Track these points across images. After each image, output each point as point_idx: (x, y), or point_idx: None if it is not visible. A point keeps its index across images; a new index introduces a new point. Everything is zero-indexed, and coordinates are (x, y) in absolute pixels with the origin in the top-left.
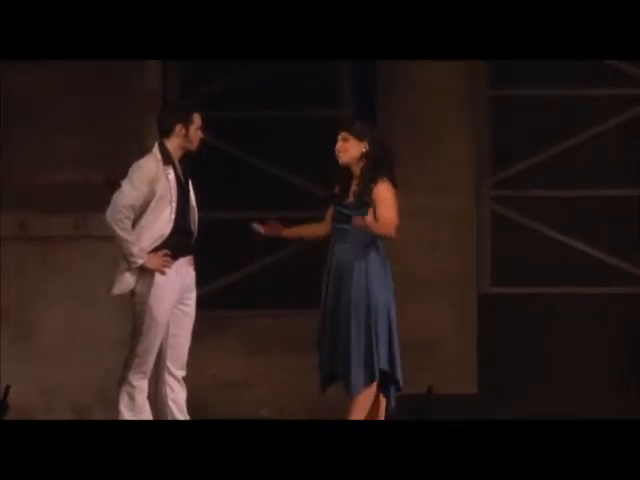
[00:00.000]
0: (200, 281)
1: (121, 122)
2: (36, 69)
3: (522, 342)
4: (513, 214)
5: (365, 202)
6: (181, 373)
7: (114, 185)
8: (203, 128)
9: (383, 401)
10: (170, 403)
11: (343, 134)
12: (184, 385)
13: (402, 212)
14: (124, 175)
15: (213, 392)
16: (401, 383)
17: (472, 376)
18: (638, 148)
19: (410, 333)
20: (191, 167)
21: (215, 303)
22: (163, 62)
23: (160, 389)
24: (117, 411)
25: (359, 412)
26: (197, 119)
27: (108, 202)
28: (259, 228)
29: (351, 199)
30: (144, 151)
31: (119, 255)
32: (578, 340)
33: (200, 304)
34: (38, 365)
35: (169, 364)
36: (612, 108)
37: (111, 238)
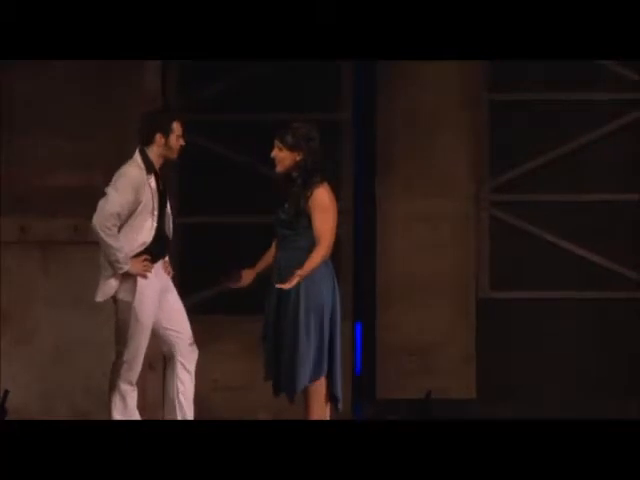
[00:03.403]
0: (201, 286)
1: (120, 125)
2: (36, 72)
3: (521, 347)
4: (512, 219)
5: (301, 210)
6: (192, 367)
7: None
8: (184, 135)
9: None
10: (180, 398)
11: (277, 143)
12: (193, 379)
13: (402, 216)
14: None
15: (214, 396)
16: (338, 387)
17: (471, 381)
18: (636, 152)
19: (409, 337)
20: (169, 176)
21: (216, 308)
22: (162, 64)
23: (172, 384)
24: (110, 416)
25: (318, 410)
26: (177, 127)
27: None
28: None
29: (287, 205)
30: None
31: (102, 262)
32: (577, 345)
33: (201, 309)
34: (37, 368)
35: (182, 359)
36: (610, 113)
37: None
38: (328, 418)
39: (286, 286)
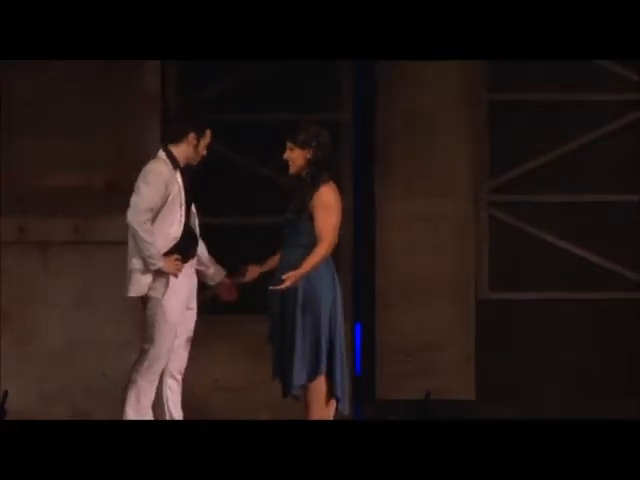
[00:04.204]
0: (202, 286)
1: (120, 125)
2: (36, 72)
3: (520, 347)
4: (511, 219)
5: (304, 207)
6: (180, 376)
7: (114, 189)
8: (209, 146)
9: (332, 404)
10: (170, 405)
11: (289, 144)
12: (181, 385)
13: (401, 216)
14: (124, 179)
15: (214, 396)
16: (339, 387)
17: (470, 381)
18: (636, 152)
19: (408, 337)
20: (194, 178)
21: (217, 308)
22: (162, 64)
23: (160, 392)
24: (122, 411)
25: (318, 409)
26: (209, 135)
27: (107, 206)
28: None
29: (294, 202)
30: (143, 153)
31: (130, 258)
32: (577, 345)
33: (202, 309)
34: (37, 369)
35: (171, 367)
36: (610, 113)
37: (110, 243)
38: (331, 418)
39: (282, 286)
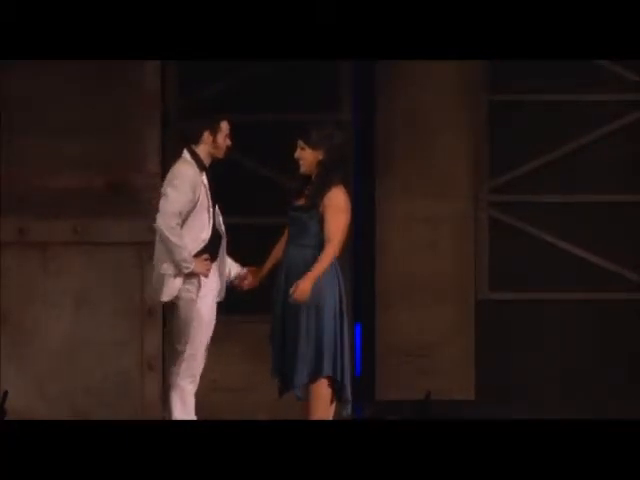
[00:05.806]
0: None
1: (120, 125)
2: (36, 72)
3: (520, 347)
4: (511, 219)
5: (315, 204)
6: (198, 377)
7: (114, 190)
8: (231, 135)
9: (333, 404)
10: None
11: (300, 143)
12: (196, 386)
13: (401, 216)
14: (124, 179)
15: (213, 397)
16: (348, 388)
17: (470, 382)
18: (636, 152)
19: (408, 337)
20: (216, 175)
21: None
22: (162, 65)
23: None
24: (170, 417)
25: (319, 410)
26: (225, 126)
27: (107, 207)
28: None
29: (303, 201)
30: (143, 153)
31: (158, 262)
32: (577, 345)
33: None
34: (37, 368)
35: None
36: (610, 113)
37: (110, 243)
38: (330, 418)
39: (298, 292)
